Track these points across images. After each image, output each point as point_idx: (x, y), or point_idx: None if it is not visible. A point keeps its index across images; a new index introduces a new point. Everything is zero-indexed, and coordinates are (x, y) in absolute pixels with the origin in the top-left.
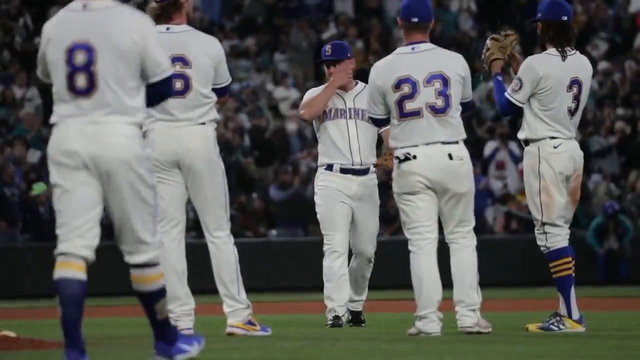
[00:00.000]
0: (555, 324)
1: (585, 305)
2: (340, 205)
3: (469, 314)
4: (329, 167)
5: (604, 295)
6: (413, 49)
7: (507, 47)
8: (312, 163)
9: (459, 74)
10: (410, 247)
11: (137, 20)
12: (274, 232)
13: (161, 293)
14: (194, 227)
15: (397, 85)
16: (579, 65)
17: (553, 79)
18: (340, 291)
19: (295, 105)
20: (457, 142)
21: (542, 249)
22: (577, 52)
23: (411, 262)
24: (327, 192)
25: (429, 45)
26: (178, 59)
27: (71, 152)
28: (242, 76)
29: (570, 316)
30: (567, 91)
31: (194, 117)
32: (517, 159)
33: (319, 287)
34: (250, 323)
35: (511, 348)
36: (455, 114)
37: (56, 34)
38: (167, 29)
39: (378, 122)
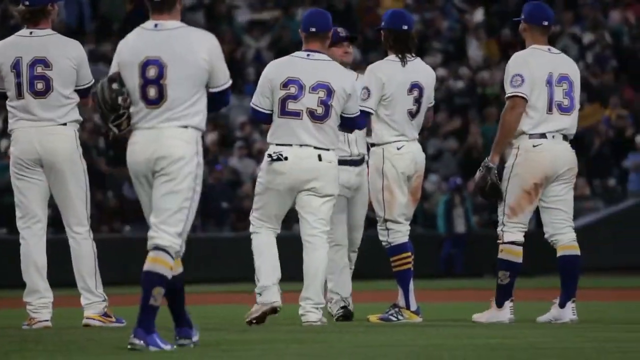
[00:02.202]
0: (394, 314)
1: (422, 297)
2: (339, 198)
3: (315, 310)
4: None
5: (440, 288)
6: (308, 55)
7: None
8: None
9: (345, 90)
10: (252, 229)
11: (205, 39)
12: (127, 228)
13: (164, 283)
14: (51, 222)
15: (285, 84)
16: (419, 70)
17: (394, 83)
18: (344, 282)
19: None
20: (328, 150)
21: (383, 244)
22: (418, 59)
23: (253, 241)
24: None
25: (324, 57)
26: (39, 62)
27: (140, 163)
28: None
29: (408, 307)
30: (408, 94)
31: (55, 118)
32: None
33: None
34: (106, 315)
35: (353, 337)
36: (333, 124)
37: (131, 49)
38: (31, 32)
39: (258, 115)
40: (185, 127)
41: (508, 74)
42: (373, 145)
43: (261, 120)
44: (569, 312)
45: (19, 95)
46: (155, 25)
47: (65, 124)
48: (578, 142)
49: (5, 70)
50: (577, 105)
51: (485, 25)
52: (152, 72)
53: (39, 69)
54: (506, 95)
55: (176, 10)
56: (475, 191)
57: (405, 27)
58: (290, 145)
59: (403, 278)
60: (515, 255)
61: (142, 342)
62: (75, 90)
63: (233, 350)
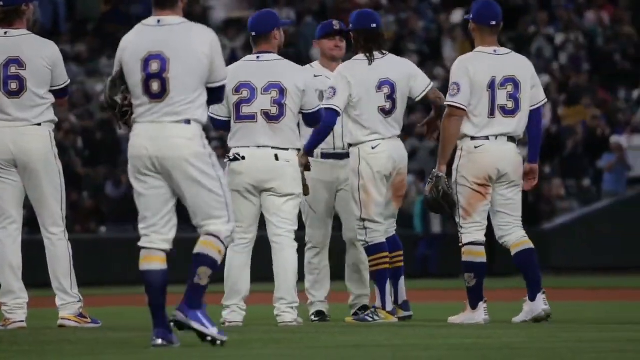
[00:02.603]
0: (370, 315)
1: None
2: (323, 198)
3: (290, 310)
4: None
5: (416, 288)
6: (258, 57)
7: None
8: None
9: (297, 86)
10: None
11: (206, 34)
12: (103, 228)
13: (210, 263)
14: (26, 223)
15: (238, 89)
16: (389, 66)
17: (359, 82)
18: (321, 285)
19: None
20: (287, 149)
21: (361, 243)
22: (391, 55)
23: (227, 256)
24: (311, 184)
25: (274, 56)
26: (13, 61)
27: (141, 156)
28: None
29: (384, 308)
30: (377, 92)
31: (29, 118)
32: None
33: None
34: (81, 315)
35: (330, 338)
36: (290, 123)
37: (133, 45)
38: (5, 32)
39: (216, 122)
40: (188, 121)
41: (450, 80)
42: (350, 145)
43: (219, 127)
44: (541, 303)
45: None
46: (158, 22)
47: (39, 124)
48: (552, 142)
49: None
50: (526, 106)
51: (463, 26)
52: (154, 66)
53: (13, 69)
54: (444, 103)
55: (178, 8)
56: (426, 204)
57: (374, 25)
58: (248, 147)
59: (380, 278)
60: (476, 255)
61: (183, 315)
62: (51, 91)
63: (211, 350)
